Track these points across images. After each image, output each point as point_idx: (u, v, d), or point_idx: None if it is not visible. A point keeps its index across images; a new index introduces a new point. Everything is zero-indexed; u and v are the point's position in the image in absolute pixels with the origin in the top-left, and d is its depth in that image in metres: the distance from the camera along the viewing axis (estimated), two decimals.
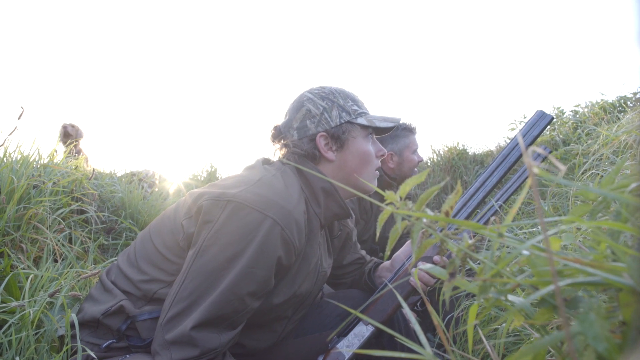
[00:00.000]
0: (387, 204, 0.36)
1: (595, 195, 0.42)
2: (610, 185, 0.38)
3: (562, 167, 0.29)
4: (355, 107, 1.22)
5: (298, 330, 1.31)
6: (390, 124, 1.24)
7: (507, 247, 0.36)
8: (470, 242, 0.35)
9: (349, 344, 1.13)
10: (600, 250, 0.38)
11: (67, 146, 2.52)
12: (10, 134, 1.71)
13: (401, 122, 2.34)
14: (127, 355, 1.04)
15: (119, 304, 1.06)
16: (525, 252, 0.33)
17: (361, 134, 1.21)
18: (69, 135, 3.72)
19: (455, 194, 0.34)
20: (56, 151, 2.10)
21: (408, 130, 2.31)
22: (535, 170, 0.29)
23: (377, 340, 1.21)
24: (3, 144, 1.72)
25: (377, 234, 0.40)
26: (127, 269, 1.14)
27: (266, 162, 1.23)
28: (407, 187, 0.35)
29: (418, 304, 1.73)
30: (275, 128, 1.26)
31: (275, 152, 1.27)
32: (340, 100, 1.21)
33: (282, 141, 1.23)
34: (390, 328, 1.26)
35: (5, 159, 1.71)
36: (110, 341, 1.06)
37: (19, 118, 1.70)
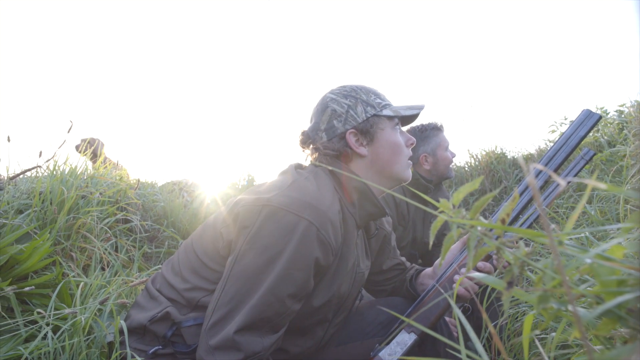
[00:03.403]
0: (440, 212, 0.35)
1: None
2: None
3: (563, 183, 0.28)
4: (378, 100, 1.22)
5: (340, 337, 1.31)
6: (415, 111, 1.24)
7: (567, 256, 0.35)
8: (527, 250, 0.34)
9: (392, 352, 1.12)
10: None
11: (91, 159, 2.60)
12: (59, 147, 1.79)
13: (429, 122, 2.33)
14: None
15: (165, 311, 1.09)
16: (587, 261, 0.32)
17: (389, 125, 1.22)
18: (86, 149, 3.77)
19: (512, 200, 0.34)
20: (102, 162, 2.18)
21: (436, 129, 2.30)
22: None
23: (419, 348, 1.19)
24: (53, 157, 1.80)
25: (431, 243, 0.39)
26: (171, 277, 1.17)
27: (299, 166, 1.24)
28: (460, 194, 0.35)
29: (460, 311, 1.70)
30: (303, 133, 1.27)
31: (306, 157, 1.28)
32: (363, 96, 1.21)
33: (311, 145, 1.24)
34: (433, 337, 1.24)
35: (55, 172, 1.79)
36: (156, 347, 1.08)
37: (68, 132, 1.77)
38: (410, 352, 1.12)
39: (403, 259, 1.50)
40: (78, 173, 1.89)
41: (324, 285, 1.12)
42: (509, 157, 4.18)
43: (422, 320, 1.14)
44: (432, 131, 2.29)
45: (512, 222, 1.18)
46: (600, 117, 1.14)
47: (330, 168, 0.96)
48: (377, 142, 1.20)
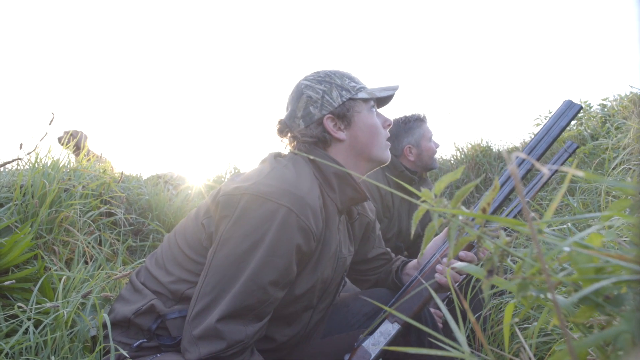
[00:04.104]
0: (422, 202, 0.35)
1: (633, 190, 0.41)
2: None
3: (545, 170, 0.28)
4: (353, 84, 1.23)
5: (325, 329, 1.31)
6: (390, 92, 1.26)
7: (546, 244, 0.35)
8: (507, 239, 0.34)
9: (375, 342, 1.13)
10: None
11: (74, 152, 2.56)
12: (41, 140, 1.76)
13: (412, 113, 2.34)
14: (158, 355, 1.06)
15: (150, 303, 1.08)
16: (566, 249, 0.32)
17: (365, 107, 1.23)
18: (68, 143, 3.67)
19: (493, 190, 0.34)
20: (85, 155, 2.14)
21: (419, 120, 2.32)
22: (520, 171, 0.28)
23: (404, 339, 1.20)
24: (34, 149, 1.77)
25: (413, 231, 0.39)
26: (155, 270, 1.17)
27: (278, 155, 1.24)
28: (442, 184, 0.35)
29: (444, 302, 1.71)
30: (280, 122, 1.27)
31: (285, 146, 1.28)
32: (337, 80, 1.22)
33: (289, 134, 1.25)
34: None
35: (36, 164, 1.75)
36: (141, 340, 1.08)
37: (50, 124, 1.74)
38: (393, 342, 1.13)
39: (388, 249, 1.51)
40: (60, 166, 1.86)
41: (307, 271, 1.13)
42: (494, 150, 4.22)
43: (404, 311, 1.15)
44: (415, 122, 2.31)
45: (495, 214, 1.19)
46: (581, 108, 1.16)
47: (311, 157, 0.95)
48: (354, 126, 1.21)
